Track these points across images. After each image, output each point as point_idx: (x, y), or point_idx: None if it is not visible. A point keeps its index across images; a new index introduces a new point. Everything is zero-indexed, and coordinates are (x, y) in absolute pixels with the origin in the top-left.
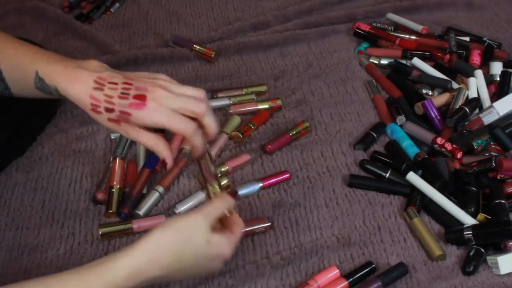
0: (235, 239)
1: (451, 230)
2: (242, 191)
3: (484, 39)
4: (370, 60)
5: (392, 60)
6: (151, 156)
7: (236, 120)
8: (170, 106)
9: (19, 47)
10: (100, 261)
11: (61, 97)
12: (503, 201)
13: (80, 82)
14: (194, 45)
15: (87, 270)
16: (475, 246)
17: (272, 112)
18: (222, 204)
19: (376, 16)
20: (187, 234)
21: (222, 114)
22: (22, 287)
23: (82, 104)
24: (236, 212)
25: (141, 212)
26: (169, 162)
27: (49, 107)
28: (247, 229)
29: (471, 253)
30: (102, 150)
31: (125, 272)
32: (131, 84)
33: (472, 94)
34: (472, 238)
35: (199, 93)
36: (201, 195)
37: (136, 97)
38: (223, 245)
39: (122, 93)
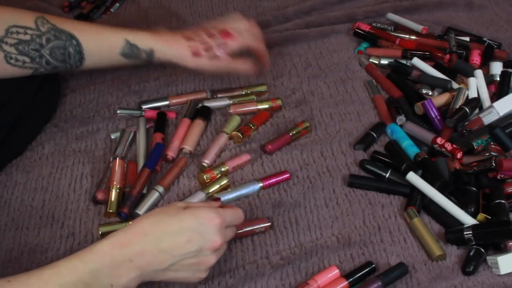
0: (223, 210)
1: (451, 230)
2: (242, 191)
3: (484, 39)
4: (370, 60)
5: (392, 60)
6: (151, 156)
7: (236, 120)
8: (244, 34)
9: (92, 23)
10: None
11: (145, 62)
12: (503, 201)
13: (175, 42)
14: None
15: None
16: (475, 246)
17: (272, 112)
18: (204, 203)
19: (376, 16)
20: (163, 208)
21: (222, 114)
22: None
23: (182, 55)
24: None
25: (141, 212)
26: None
27: (46, 107)
28: (247, 229)
29: (471, 253)
30: (102, 150)
31: (110, 241)
32: (209, 28)
33: (472, 94)
34: (472, 238)
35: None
36: (201, 195)
37: (222, 32)
38: (205, 208)
39: (208, 35)
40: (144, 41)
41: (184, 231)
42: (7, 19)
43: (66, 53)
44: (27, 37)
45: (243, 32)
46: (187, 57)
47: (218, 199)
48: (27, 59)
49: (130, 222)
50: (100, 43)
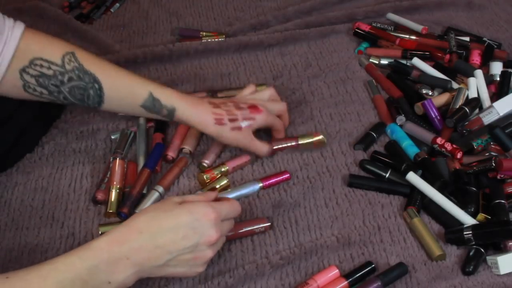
0: (219, 204)
1: (451, 230)
2: (242, 191)
3: (484, 39)
4: (370, 60)
5: (392, 60)
6: (151, 156)
7: None
8: (271, 109)
9: (119, 69)
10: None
11: (164, 117)
12: (503, 201)
13: (199, 105)
14: (201, 32)
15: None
16: (475, 246)
17: None
18: (196, 195)
19: (376, 16)
20: (159, 204)
21: None
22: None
23: (203, 121)
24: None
25: None
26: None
27: (52, 113)
28: (247, 229)
29: (471, 253)
30: (102, 150)
31: (107, 238)
32: (237, 100)
33: (472, 94)
34: (472, 238)
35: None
36: None
37: (250, 107)
38: (200, 203)
39: (236, 107)
40: (169, 98)
41: (179, 227)
42: (35, 50)
43: (85, 94)
44: (50, 72)
45: (270, 108)
46: (209, 123)
47: (214, 188)
48: (45, 91)
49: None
50: (123, 92)
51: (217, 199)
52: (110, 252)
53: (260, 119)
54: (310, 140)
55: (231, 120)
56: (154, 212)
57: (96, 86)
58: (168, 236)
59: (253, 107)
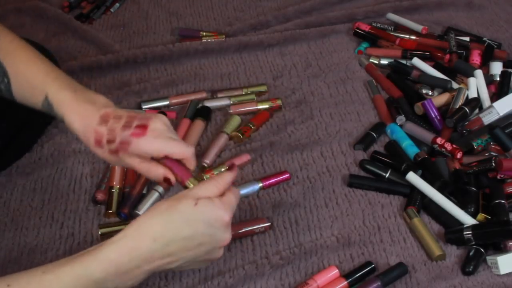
0: (229, 200)
1: (451, 230)
2: (242, 191)
3: (484, 39)
4: (370, 60)
5: (392, 60)
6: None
7: (236, 120)
8: (167, 136)
9: (32, 64)
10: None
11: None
12: (503, 201)
13: (86, 119)
14: (201, 32)
15: (77, 257)
16: (475, 246)
17: (272, 112)
18: (210, 185)
19: (376, 16)
20: (173, 203)
21: (222, 114)
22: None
23: (85, 139)
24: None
25: (141, 212)
26: (171, 178)
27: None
28: (247, 229)
29: (471, 253)
30: None
31: (116, 247)
32: (135, 117)
33: (472, 94)
34: (472, 238)
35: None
36: None
37: (138, 127)
38: (215, 206)
39: (124, 125)
40: (60, 105)
41: (195, 236)
42: None
43: None
44: None
45: (165, 134)
46: (90, 143)
47: (232, 165)
48: None
49: (136, 220)
50: (26, 91)
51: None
52: (119, 263)
53: (140, 145)
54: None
55: (109, 142)
56: (168, 216)
57: (6, 80)
58: (183, 244)
59: (142, 127)
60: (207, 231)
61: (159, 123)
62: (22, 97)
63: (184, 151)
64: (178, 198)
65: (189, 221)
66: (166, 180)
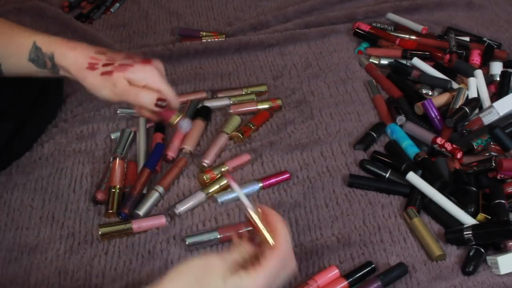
0: (267, 269)
1: (451, 230)
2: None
3: (484, 39)
4: (370, 60)
5: (392, 60)
6: (151, 156)
7: (236, 120)
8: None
9: (16, 26)
10: None
11: (52, 71)
12: (503, 201)
13: (80, 48)
14: (201, 32)
15: None
16: (475, 246)
17: (272, 112)
18: (243, 247)
19: (376, 16)
20: (200, 274)
21: (222, 114)
22: None
23: (77, 66)
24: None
25: (141, 212)
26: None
27: (49, 109)
28: (247, 229)
29: (471, 253)
30: (102, 150)
31: None
32: (134, 56)
33: (472, 94)
34: (472, 238)
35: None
36: (201, 195)
37: (144, 61)
38: (246, 283)
39: (126, 57)
40: (48, 44)
41: None
42: None
43: None
44: None
45: (163, 74)
46: (80, 67)
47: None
48: None
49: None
50: (11, 48)
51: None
52: None
53: (146, 69)
54: None
55: (106, 65)
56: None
57: None
58: None
59: (146, 60)
60: None
61: (160, 65)
62: (7, 57)
63: (173, 95)
64: (208, 266)
65: None
66: (160, 100)
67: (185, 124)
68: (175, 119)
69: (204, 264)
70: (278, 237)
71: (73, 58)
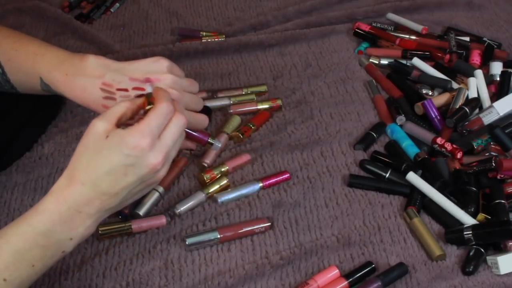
0: (146, 124)
1: (451, 230)
2: (242, 191)
3: (484, 39)
4: (370, 60)
5: (392, 60)
6: None
7: (236, 120)
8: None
9: (19, 48)
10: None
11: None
12: (503, 201)
13: (87, 92)
14: (201, 32)
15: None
16: (475, 246)
17: (272, 112)
18: (124, 103)
19: (376, 16)
20: (86, 141)
21: (222, 114)
22: None
23: (93, 105)
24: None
25: (141, 212)
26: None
27: (50, 109)
28: (247, 229)
29: (471, 253)
30: None
31: (53, 197)
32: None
33: (472, 94)
34: (472, 238)
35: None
36: (201, 195)
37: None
38: (125, 137)
39: (131, 79)
40: (54, 84)
41: (115, 169)
42: None
43: None
44: None
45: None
46: (96, 102)
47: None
48: None
49: (67, 169)
50: (23, 76)
51: (152, 99)
52: (60, 212)
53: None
54: None
55: (120, 90)
56: (86, 156)
57: (0, 70)
58: (109, 180)
59: (147, 79)
60: (124, 161)
61: (171, 68)
62: (20, 84)
63: (200, 118)
64: (88, 133)
65: (102, 153)
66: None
67: (219, 143)
68: (212, 140)
69: (86, 131)
70: (158, 98)
71: (85, 105)
